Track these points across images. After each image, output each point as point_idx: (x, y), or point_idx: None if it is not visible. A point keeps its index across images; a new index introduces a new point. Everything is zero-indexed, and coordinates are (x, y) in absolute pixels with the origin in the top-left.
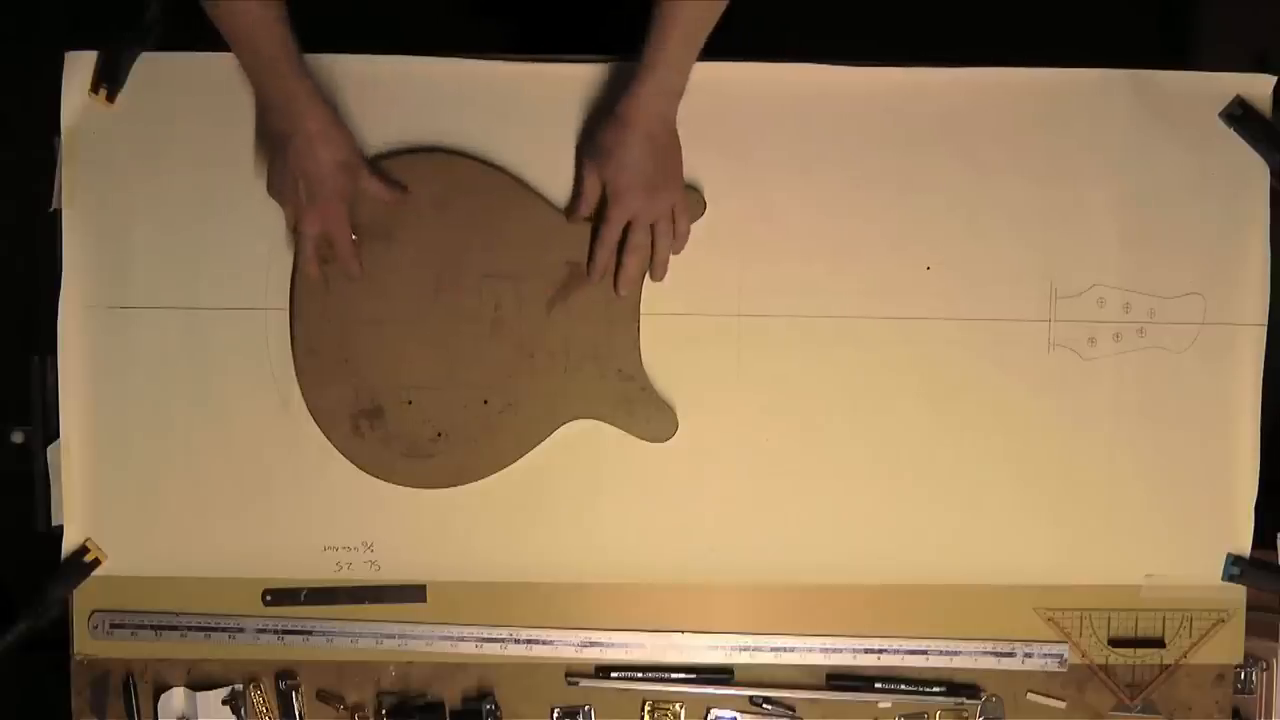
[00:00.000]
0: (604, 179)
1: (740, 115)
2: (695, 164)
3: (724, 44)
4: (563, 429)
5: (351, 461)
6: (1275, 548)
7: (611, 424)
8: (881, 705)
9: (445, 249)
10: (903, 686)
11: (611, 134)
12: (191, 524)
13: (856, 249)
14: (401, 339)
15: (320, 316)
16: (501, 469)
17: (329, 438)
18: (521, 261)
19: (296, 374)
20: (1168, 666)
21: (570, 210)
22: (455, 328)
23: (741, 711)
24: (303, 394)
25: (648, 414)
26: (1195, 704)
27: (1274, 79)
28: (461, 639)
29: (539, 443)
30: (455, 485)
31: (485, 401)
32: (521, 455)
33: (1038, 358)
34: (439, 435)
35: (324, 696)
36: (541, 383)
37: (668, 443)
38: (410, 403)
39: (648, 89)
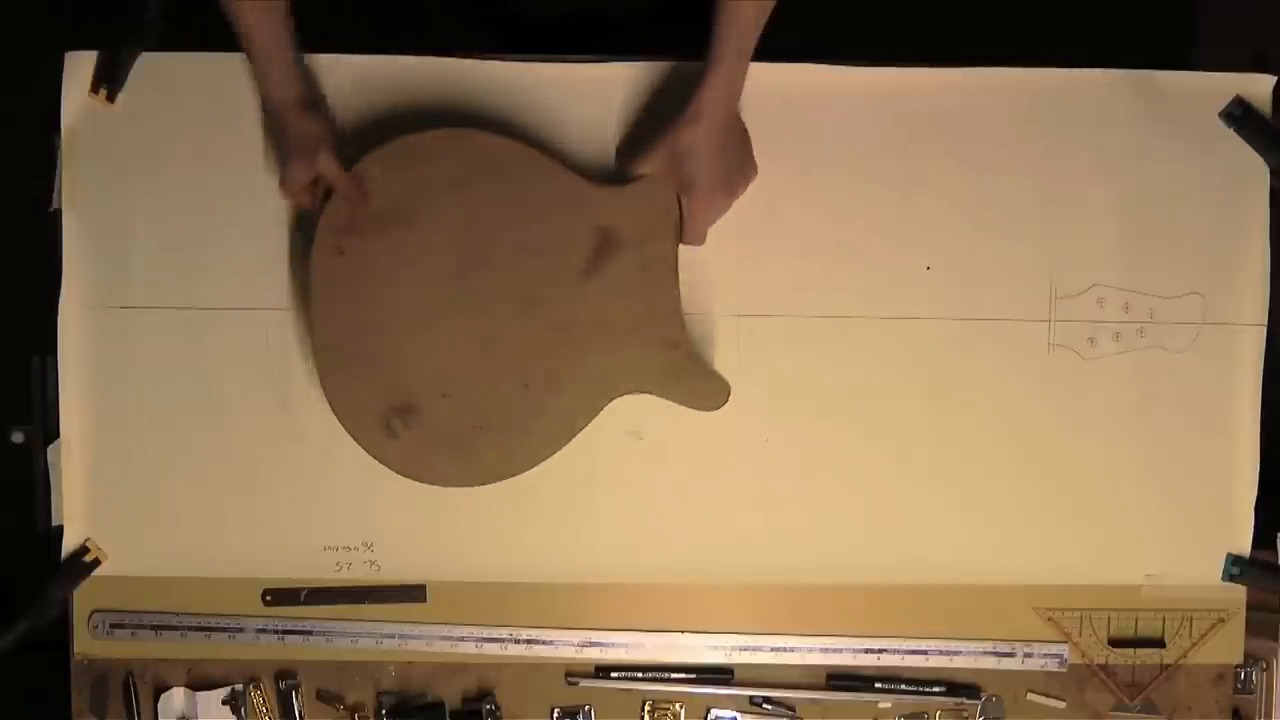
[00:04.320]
0: (684, 174)
1: (741, 115)
2: None
3: None
4: None
5: (385, 465)
6: (1275, 548)
7: (661, 396)
8: (881, 705)
9: (467, 228)
10: (903, 686)
11: (689, 132)
12: (191, 524)
13: (856, 249)
14: (429, 328)
15: (339, 310)
16: (552, 454)
17: (357, 440)
18: (548, 233)
19: (318, 374)
20: (1168, 666)
21: (624, 175)
22: (486, 311)
23: (741, 711)
24: (325, 395)
25: (697, 382)
26: (1195, 704)
27: (1274, 79)
28: (461, 639)
29: (587, 423)
30: (505, 478)
31: (526, 386)
32: (572, 438)
33: (1038, 358)
34: (480, 427)
35: (324, 696)
36: (583, 360)
37: (667, 443)
38: (445, 395)
39: (718, 81)
